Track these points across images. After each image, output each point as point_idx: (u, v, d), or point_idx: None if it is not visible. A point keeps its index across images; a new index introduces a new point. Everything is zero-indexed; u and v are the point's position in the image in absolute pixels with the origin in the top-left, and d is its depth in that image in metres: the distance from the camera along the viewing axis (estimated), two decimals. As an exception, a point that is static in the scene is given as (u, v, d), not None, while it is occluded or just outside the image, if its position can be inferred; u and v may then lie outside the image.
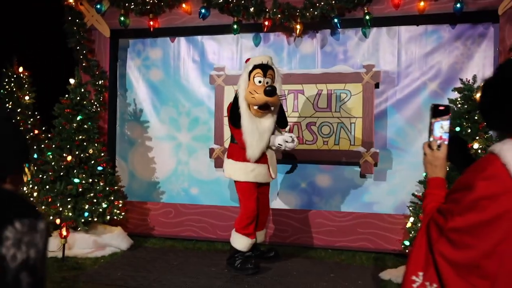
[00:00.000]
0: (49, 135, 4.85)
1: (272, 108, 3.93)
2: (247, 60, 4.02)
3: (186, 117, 5.28)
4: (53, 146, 4.64)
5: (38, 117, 5.17)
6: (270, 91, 3.74)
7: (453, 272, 1.21)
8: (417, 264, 1.29)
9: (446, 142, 1.45)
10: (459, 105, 3.87)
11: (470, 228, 1.18)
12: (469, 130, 3.76)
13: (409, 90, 4.69)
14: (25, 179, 4.64)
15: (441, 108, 1.46)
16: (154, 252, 4.65)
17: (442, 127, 1.46)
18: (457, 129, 3.80)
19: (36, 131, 5.09)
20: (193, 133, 5.26)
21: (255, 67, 3.87)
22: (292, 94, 4.88)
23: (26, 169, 4.32)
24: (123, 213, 4.86)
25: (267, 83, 3.86)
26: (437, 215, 1.28)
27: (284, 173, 4.97)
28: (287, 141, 3.95)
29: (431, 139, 1.46)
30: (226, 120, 4.33)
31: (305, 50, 4.96)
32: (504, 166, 1.16)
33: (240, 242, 3.98)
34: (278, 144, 3.98)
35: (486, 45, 4.52)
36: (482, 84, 1.34)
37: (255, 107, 3.86)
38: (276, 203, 4.94)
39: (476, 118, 3.78)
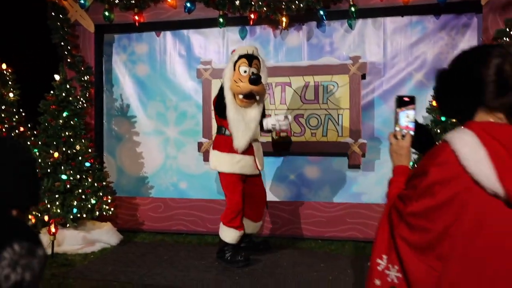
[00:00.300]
0: (35, 132, 4.80)
1: (258, 97, 3.93)
2: (233, 51, 4.02)
3: (173, 112, 5.26)
4: (39, 143, 4.60)
5: (23, 114, 5.09)
6: (255, 79, 3.74)
7: (412, 254, 1.26)
8: (381, 248, 1.36)
9: (411, 132, 1.49)
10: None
11: (425, 212, 1.24)
12: (453, 120, 3.80)
13: (395, 81, 4.73)
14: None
15: (405, 99, 1.51)
16: (144, 247, 4.65)
17: (407, 116, 1.50)
18: (443, 118, 3.85)
19: (21, 128, 5.02)
20: (181, 128, 5.25)
21: (240, 57, 3.87)
22: (279, 86, 4.89)
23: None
24: (112, 209, 4.84)
25: (252, 73, 3.86)
26: (398, 201, 1.34)
27: (274, 165, 4.98)
28: (279, 120, 3.99)
29: (397, 128, 1.50)
30: (213, 114, 4.33)
31: (292, 43, 4.96)
32: (454, 153, 1.21)
33: (228, 235, 3.98)
34: (272, 124, 4.01)
35: (470, 35, 4.57)
36: (436, 73, 1.41)
37: (240, 96, 3.86)
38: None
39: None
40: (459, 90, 1.31)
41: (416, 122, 1.50)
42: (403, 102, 1.51)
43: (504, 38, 4.19)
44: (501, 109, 1.27)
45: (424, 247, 1.25)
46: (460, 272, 1.22)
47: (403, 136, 1.49)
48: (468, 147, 1.20)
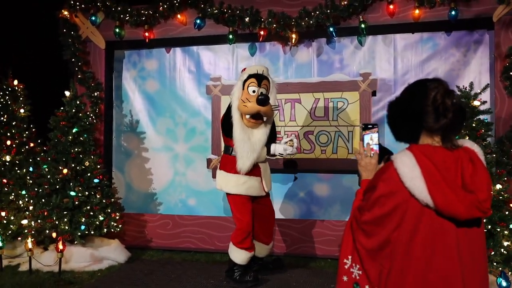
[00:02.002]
0: (45, 148, 4.81)
1: (265, 118, 3.89)
2: (243, 69, 4.00)
3: (183, 128, 5.25)
4: (49, 159, 4.61)
5: (33, 130, 5.12)
6: (263, 100, 3.70)
7: (367, 256, 1.56)
8: (347, 250, 1.65)
9: (373, 152, 1.81)
10: (457, 112, 3.85)
11: (376, 220, 1.52)
12: (467, 138, 3.74)
13: (406, 98, 4.68)
14: None
15: (369, 125, 1.84)
16: (152, 265, 4.60)
17: (371, 138, 1.83)
18: (456, 137, 3.78)
19: (31, 144, 5.04)
20: (190, 144, 5.23)
21: (249, 76, 3.84)
22: (289, 103, 4.87)
23: None
24: (120, 226, 4.81)
25: (261, 93, 3.83)
26: (356, 211, 1.63)
27: (283, 184, 4.93)
28: (286, 150, 3.98)
29: (365, 145, 1.82)
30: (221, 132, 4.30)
31: (301, 59, 4.95)
32: (396, 171, 1.49)
33: (238, 256, 3.92)
34: (279, 153, 4.01)
35: (482, 51, 4.52)
36: (388, 103, 1.67)
37: (247, 116, 3.82)
38: (275, 213, 4.89)
39: (474, 125, 3.76)
40: (406, 118, 1.57)
41: (379, 144, 1.83)
42: (367, 127, 1.84)
43: (517, 55, 4.14)
44: (439, 132, 1.53)
45: (376, 249, 1.54)
46: (401, 269, 1.48)
47: (371, 155, 1.80)
48: (406, 166, 1.47)
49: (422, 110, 1.52)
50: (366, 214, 1.55)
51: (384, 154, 1.84)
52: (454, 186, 1.45)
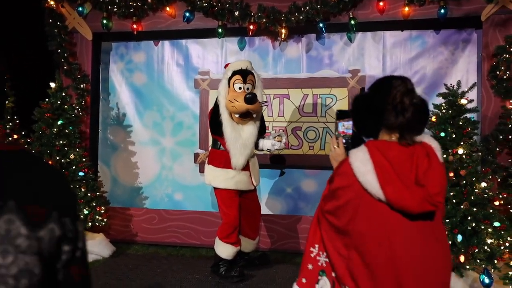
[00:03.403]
0: (29, 140, 4.74)
1: (254, 115, 3.87)
2: (226, 65, 3.96)
3: (170, 122, 5.20)
4: (33, 151, 4.53)
5: (17, 121, 5.03)
6: (250, 98, 3.67)
7: (330, 244, 1.63)
8: (314, 239, 1.72)
9: (348, 135, 1.83)
10: (444, 111, 3.87)
11: (334, 210, 1.61)
12: (453, 136, 3.76)
13: (394, 95, 4.69)
14: None
15: (344, 112, 1.88)
16: (137, 259, 4.56)
17: (343, 125, 1.85)
18: (442, 134, 3.80)
19: (15, 136, 4.95)
20: (177, 138, 5.19)
21: (234, 73, 3.80)
22: (277, 98, 4.85)
23: None
24: (105, 220, 4.76)
25: (247, 89, 3.80)
26: (321, 200, 1.71)
27: (270, 179, 4.92)
28: (274, 145, 3.97)
29: (336, 133, 1.85)
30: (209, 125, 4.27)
31: (291, 55, 4.93)
32: (350, 165, 1.55)
33: (224, 250, 3.91)
34: (267, 149, 4.01)
35: (470, 50, 4.55)
36: (352, 99, 1.74)
37: (236, 115, 3.80)
38: (262, 208, 4.88)
39: (460, 123, 3.78)
40: (368, 113, 1.62)
41: (354, 132, 1.84)
42: (341, 115, 1.86)
43: (504, 55, 4.17)
44: (397, 129, 1.57)
45: (335, 238, 1.62)
46: (359, 259, 1.54)
47: (337, 145, 1.83)
48: (359, 161, 1.53)
49: (383, 107, 1.57)
50: (327, 204, 1.64)
51: (359, 143, 1.84)
52: (406, 181, 1.49)
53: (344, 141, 1.82)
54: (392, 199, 1.48)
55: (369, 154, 1.52)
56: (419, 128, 1.60)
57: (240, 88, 3.78)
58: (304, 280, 1.71)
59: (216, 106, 3.89)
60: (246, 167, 3.94)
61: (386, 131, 1.60)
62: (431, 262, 1.54)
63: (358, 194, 1.53)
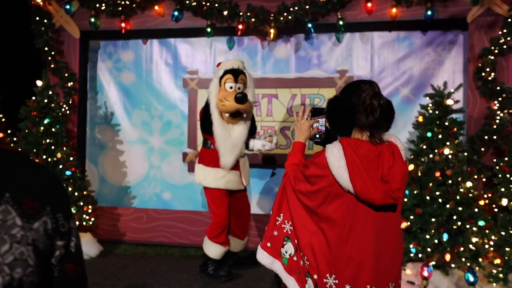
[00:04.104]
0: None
1: (245, 115, 3.87)
2: (218, 64, 3.96)
3: (158, 121, 5.18)
4: (19, 150, 4.47)
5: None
6: (241, 98, 3.67)
7: (299, 217, 1.84)
8: (279, 209, 1.92)
9: (318, 135, 2.07)
10: (430, 111, 3.92)
11: (306, 193, 1.80)
12: (440, 136, 3.81)
13: (382, 95, 4.73)
14: None
15: (318, 109, 2.08)
16: (125, 259, 4.54)
17: (318, 122, 2.06)
18: (429, 134, 3.85)
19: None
20: (166, 137, 5.17)
21: (225, 72, 3.79)
22: (266, 98, 4.86)
23: None
24: (92, 219, 4.73)
25: (238, 88, 3.80)
26: (292, 178, 1.89)
27: (261, 179, 4.93)
28: (264, 145, 3.98)
29: (306, 116, 2.07)
30: (199, 124, 4.26)
31: (279, 55, 4.95)
32: (326, 159, 1.72)
33: (212, 250, 3.90)
34: (258, 149, 4.01)
35: (456, 51, 4.61)
36: (327, 101, 1.86)
37: (227, 114, 3.80)
38: (252, 208, 4.88)
39: (446, 124, 3.83)
40: (341, 114, 1.77)
41: (326, 128, 2.05)
42: (316, 113, 2.06)
43: (489, 56, 4.24)
44: (368, 128, 1.75)
45: (304, 214, 1.82)
46: (321, 235, 1.76)
47: (308, 118, 2.06)
48: (334, 157, 1.71)
49: (354, 109, 1.74)
50: (300, 185, 1.83)
51: (331, 139, 1.99)
52: (373, 176, 1.68)
53: (317, 136, 2.05)
54: (359, 191, 1.68)
55: (343, 151, 1.70)
56: (386, 126, 1.81)
57: (231, 88, 3.78)
58: (269, 244, 1.93)
59: (207, 105, 3.88)
60: (236, 167, 3.94)
61: (358, 130, 1.78)
62: (387, 246, 1.76)
63: (330, 183, 1.72)
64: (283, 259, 1.89)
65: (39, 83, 4.61)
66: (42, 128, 4.49)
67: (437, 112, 3.88)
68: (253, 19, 4.61)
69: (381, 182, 1.69)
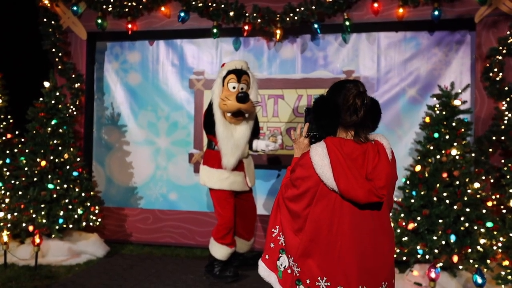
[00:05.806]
0: (22, 140, 4.72)
1: (247, 115, 3.87)
2: (223, 65, 3.96)
3: (165, 122, 5.20)
4: (27, 150, 4.51)
5: (11, 120, 5.01)
6: (242, 97, 3.66)
7: (288, 227, 1.83)
8: (275, 221, 1.91)
9: (313, 133, 1.98)
10: (438, 112, 3.90)
11: (293, 198, 1.80)
12: (447, 137, 3.78)
13: (389, 96, 4.72)
14: None
15: (312, 109, 1.97)
16: (131, 259, 4.55)
17: (312, 123, 1.98)
18: (436, 135, 3.83)
19: (8, 135, 4.93)
20: (172, 138, 5.18)
21: (229, 72, 3.79)
22: (272, 99, 4.86)
23: None
24: (99, 219, 4.75)
25: (241, 88, 3.80)
26: (283, 186, 1.89)
27: (267, 180, 4.92)
28: (268, 146, 3.96)
29: (303, 125, 2.00)
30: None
31: (285, 55, 4.94)
32: (310, 159, 1.73)
33: (219, 251, 3.90)
34: (261, 149, 4.00)
35: (464, 52, 4.58)
36: (313, 101, 1.85)
37: (228, 114, 3.80)
38: (259, 209, 4.88)
39: (454, 124, 3.81)
40: (327, 113, 1.78)
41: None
42: (309, 112, 1.98)
43: (497, 56, 4.21)
44: (353, 127, 1.77)
45: (293, 219, 1.81)
46: (311, 240, 1.74)
47: (307, 136, 1.99)
48: (317, 156, 1.72)
49: (339, 108, 1.76)
50: (288, 192, 1.83)
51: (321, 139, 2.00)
52: (357, 175, 1.69)
53: (311, 135, 2.00)
54: (343, 190, 1.69)
55: (327, 150, 1.71)
56: (372, 125, 1.81)
57: (234, 88, 3.78)
58: (267, 257, 1.93)
59: (210, 105, 3.89)
60: (240, 168, 3.93)
61: (343, 129, 1.79)
62: (377, 245, 1.76)
63: (315, 183, 1.73)
64: (279, 272, 1.89)
65: (46, 84, 4.64)
66: (49, 129, 4.51)
67: (444, 112, 3.86)
68: (259, 20, 4.61)
69: (365, 180, 1.70)
